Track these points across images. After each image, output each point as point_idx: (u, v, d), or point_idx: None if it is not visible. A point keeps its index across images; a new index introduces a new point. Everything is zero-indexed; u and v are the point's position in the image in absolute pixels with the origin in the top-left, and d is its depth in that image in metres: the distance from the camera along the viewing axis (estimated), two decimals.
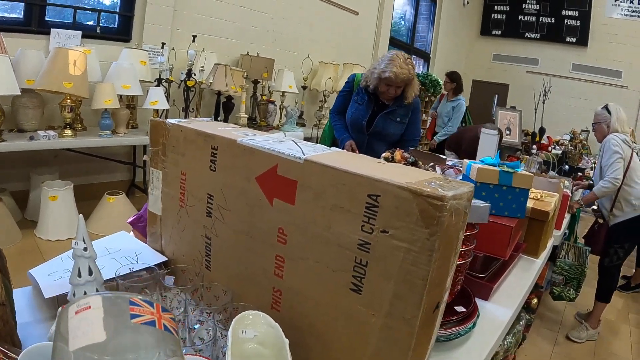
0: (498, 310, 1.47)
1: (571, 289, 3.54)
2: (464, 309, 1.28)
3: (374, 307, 0.81)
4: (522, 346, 3.33)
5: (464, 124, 6.04)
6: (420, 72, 9.53)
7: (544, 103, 4.46)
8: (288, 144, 0.99)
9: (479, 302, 1.47)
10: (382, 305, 0.80)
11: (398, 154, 1.76)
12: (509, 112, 6.58)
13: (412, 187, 0.73)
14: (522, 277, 1.79)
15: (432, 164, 2.08)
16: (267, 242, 0.97)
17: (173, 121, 1.20)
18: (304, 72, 6.26)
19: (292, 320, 0.95)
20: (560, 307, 4.34)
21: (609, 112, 3.74)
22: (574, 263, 3.57)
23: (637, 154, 3.54)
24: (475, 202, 1.16)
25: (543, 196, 2.08)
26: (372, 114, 3.06)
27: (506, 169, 1.56)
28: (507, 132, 6.19)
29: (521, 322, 2.11)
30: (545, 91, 4.67)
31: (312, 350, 0.93)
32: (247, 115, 5.26)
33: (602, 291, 3.79)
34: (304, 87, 6.31)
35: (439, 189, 0.73)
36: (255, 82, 5.46)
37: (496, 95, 8.97)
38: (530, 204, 1.96)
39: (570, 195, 3.10)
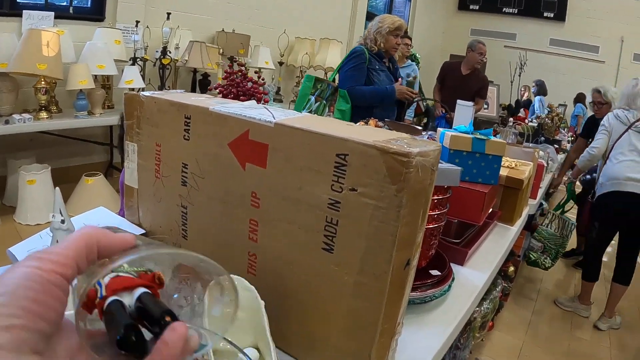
0: (473, 275, 1.49)
1: (548, 258, 3.59)
2: (439, 273, 1.30)
3: (346, 265, 0.83)
4: (500, 313, 3.40)
5: (422, 94, 5.96)
6: None
7: (519, 76, 4.49)
8: (259, 109, 0.99)
9: (454, 267, 1.49)
10: (354, 263, 0.81)
11: (372, 122, 1.77)
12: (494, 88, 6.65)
13: (379, 145, 0.74)
14: (497, 243, 1.82)
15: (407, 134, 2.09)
16: (241, 206, 0.97)
17: (147, 93, 1.19)
18: (280, 48, 6.23)
19: (268, 282, 0.95)
20: (539, 276, 4.43)
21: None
22: (556, 234, 3.62)
23: (638, 132, 3.41)
24: (446, 165, 1.17)
25: (517, 165, 2.11)
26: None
27: (479, 136, 1.58)
28: (485, 106, 6.24)
29: (497, 289, 2.15)
30: (521, 65, 4.72)
31: (289, 311, 0.94)
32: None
33: (583, 268, 3.88)
34: (281, 63, 6.28)
35: (406, 146, 0.74)
36: (232, 59, 5.42)
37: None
38: (504, 172, 1.99)
39: (546, 166, 3.14)
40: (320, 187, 0.82)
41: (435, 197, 1.19)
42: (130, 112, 1.23)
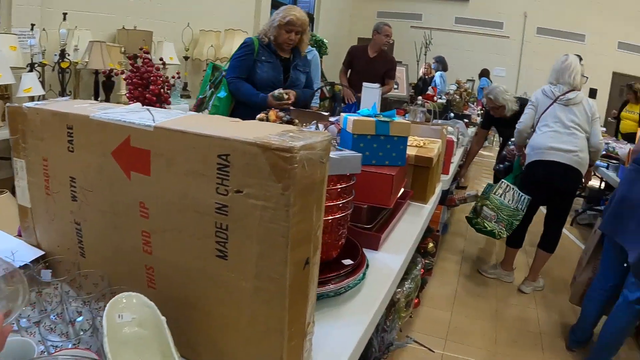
0: (389, 259, 1.49)
1: (504, 229, 3.67)
2: (351, 262, 1.28)
3: (242, 271, 0.79)
4: (425, 289, 3.47)
5: (324, 78, 5.92)
6: None
7: (425, 55, 4.58)
8: (141, 113, 0.93)
9: (369, 252, 1.49)
10: (249, 268, 0.78)
11: (272, 113, 1.73)
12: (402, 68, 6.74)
13: (260, 142, 0.70)
14: (412, 223, 1.83)
15: (314, 121, 2.07)
16: (131, 218, 0.91)
17: (30, 104, 1.12)
18: (184, 42, 6.06)
19: (169, 295, 0.91)
20: (460, 247, 4.56)
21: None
22: (510, 205, 3.69)
23: (566, 105, 3.53)
24: (346, 153, 1.15)
25: (426, 143, 2.13)
26: (283, 70, 3.19)
27: (382, 119, 1.56)
28: (395, 87, 6.32)
29: (418, 267, 2.17)
30: (426, 44, 4.80)
31: (195, 323, 0.90)
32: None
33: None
34: (186, 58, 6.11)
35: (289, 141, 0.71)
36: (135, 57, 5.21)
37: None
38: (413, 151, 2.00)
39: (456, 140, 3.21)
40: (205, 192, 0.78)
41: (339, 186, 1.16)
42: (14, 126, 1.17)
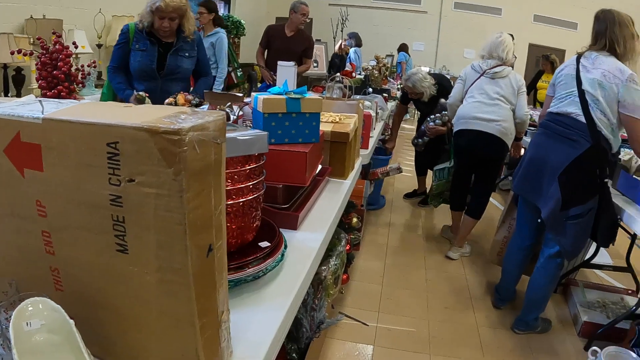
0: (308, 238, 1.47)
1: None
2: (268, 244, 1.26)
3: (144, 264, 0.75)
4: (355, 264, 3.50)
5: (235, 63, 5.80)
6: (222, 15, 9.32)
7: (342, 32, 4.58)
8: (32, 105, 0.86)
9: (288, 233, 1.47)
10: (151, 261, 0.74)
11: (181, 97, 1.67)
12: (315, 45, 6.70)
13: (147, 126, 0.66)
14: (331, 200, 1.83)
15: (229, 103, 2.03)
16: (30, 218, 0.86)
17: None
18: (97, 30, 5.81)
19: (77, 296, 0.86)
20: (386, 220, 4.63)
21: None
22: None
23: (492, 78, 3.68)
24: (251, 132, 1.12)
25: (342, 119, 2.12)
26: (160, 57, 3.00)
27: (293, 96, 1.54)
28: (315, 64, 6.31)
29: (342, 243, 2.18)
30: (342, 20, 4.78)
31: (107, 322, 0.86)
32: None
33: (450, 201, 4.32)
34: (99, 46, 5.86)
35: (177, 123, 0.67)
36: (45, 47, 4.95)
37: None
38: (329, 127, 1.99)
39: (374, 115, 3.23)
40: (98, 184, 0.73)
41: (247, 167, 1.13)
42: None
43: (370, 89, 4.81)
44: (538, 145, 2.79)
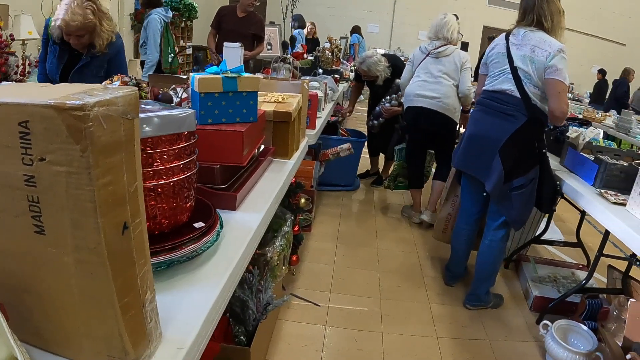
0: (247, 218, 1.45)
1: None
2: (202, 224, 1.24)
3: (61, 245, 0.73)
4: (306, 245, 3.50)
5: (168, 47, 5.58)
6: None
7: (292, 12, 4.55)
8: None
9: (227, 213, 1.45)
10: (67, 241, 0.72)
11: (117, 78, 1.62)
12: (269, 27, 6.62)
13: (54, 103, 0.64)
14: (273, 180, 1.81)
15: (172, 86, 1.99)
16: None
17: None
18: (45, 14, 5.60)
19: (4, 282, 0.83)
20: (339, 201, 4.64)
21: None
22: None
23: (436, 57, 3.91)
24: (177, 110, 1.08)
25: (285, 98, 2.10)
26: (66, 67, 2.72)
27: (230, 75, 1.51)
28: (269, 47, 6.24)
29: (288, 224, 2.16)
30: (292, 2, 4.74)
31: (33, 307, 0.83)
32: None
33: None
34: None
35: (84, 99, 0.64)
36: None
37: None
38: (271, 107, 1.97)
39: (322, 95, 3.22)
40: (12, 164, 0.71)
41: (176, 146, 1.10)
42: None
43: (321, 70, 4.80)
44: (477, 121, 2.86)
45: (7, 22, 4.86)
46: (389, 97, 4.65)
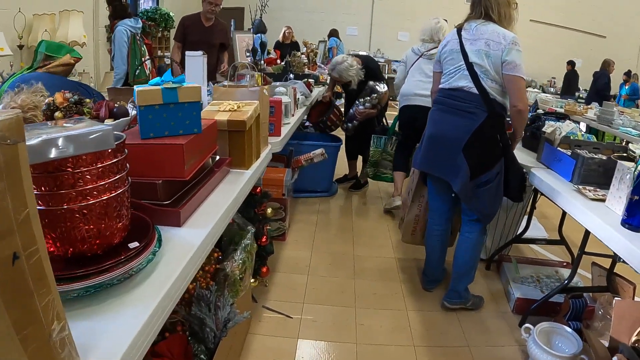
0: (192, 235, 1.39)
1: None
2: (137, 244, 1.17)
3: None
4: (279, 255, 3.44)
5: (135, 59, 5.41)
6: (149, 7, 9.06)
7: (261, 17, 4.49)
8: None
9: (171, 230, 1.39)
10: None
11: (59, 96, 1.55)
12: (246, 34, 6.55)
13: None
14: (228, 192, 1.75)
15: (131, 99, 1.94)
16: None
17: None
18: (17, 30, 5.51)
19: None
20: (315, 207, 4.57)
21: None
22: (392, 151, 4.63)
23: (429, 58, 4.06)
24: (90, 129, 1.02)
25: (240, 106, 2.04)
26: None
27: (169, 86, 1.44)
28: (248, 54, 6.16)
29: (248, 235, 2.10)
30: (262, 7, 4.68)
31: None
32: None
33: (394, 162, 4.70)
34: (21, 47, 5.56)
35: None
36: None
37: (232, 20, 8.90)
38: (224, 116, 1.91)
39: (290, 100, 3.16)
40: None
41: (100, 165, 1.04)
42: None
43: (292, 75, 4.73)
44: (436, 121, 2.83)
45: None
46: (362, 99, 4.58)
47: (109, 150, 1.06)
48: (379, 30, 13.88)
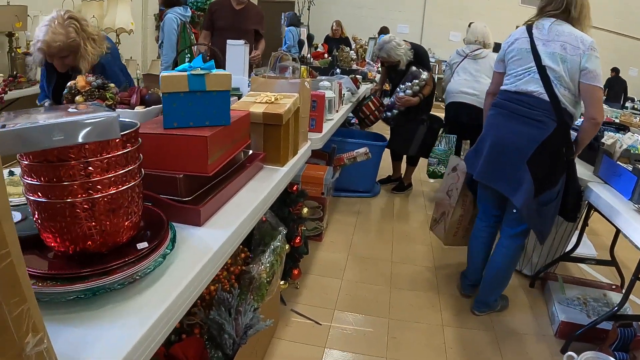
0: (212, 236, 1.26)
1: (442, 166, 4.45)
2: (146, 245, 1.06)
3: None
4: (314, 256, 3.30)
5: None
6: None
7: (309, 9, 4.31)
8: None
9: (192, 229, 1.27)
10: None
11: (81, 79, 1.45)
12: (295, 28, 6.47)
13: None
14: (257, 190, 1.62)
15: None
16: None
17: None
18: None
19: None
20: (355, 208, 4.41)
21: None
22: (445, 149, 4.48)
23: (474, 59, 4.29)
24: (95, 116, 0.90)
25: (279, 99, 1.91)
26: (57, 89, 2.52)
27: (196, 72, 1.32)
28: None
29: (279, 237, 1.97)
30: (309, 0, 4.50)
31: None
32: (2, 75, 4.52)
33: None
34: None
35: None
36: (10, 35, 4.70)
37: (285, 14, 8.83)
38: (260, 108, 1.79)
39: (334, 96, 3.02)
40: None
41: (106, 156, 0.93)
42: None
43: (338, 70, 4.58)
44: (498, 127, 2.59)
45: (26, 24, 4.79)
46: (403, 85, 4.37)
47: (117, 140, 0.95)
48: (431, 29, 13.59)
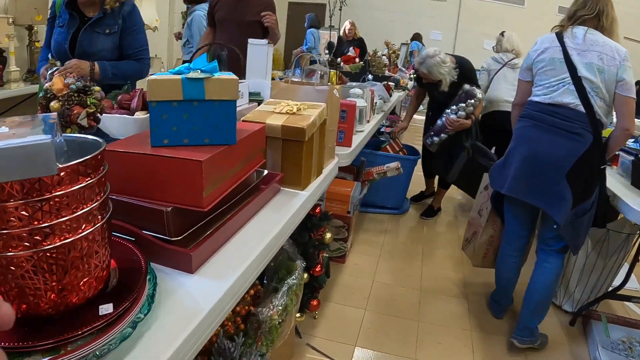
0: (205, 288, 0.98)
1: None
2: (110, 311, 0.78)
3: None
4: (336, 280, 3.01)
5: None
6: None
7: (340, 10, 4.03)
8: None
9: (182, 277, 0.99)
10: None
11: (58, 81, 1.17)
12: (326, 30, 6.19)
13: None
14: (269, 221, 1.33)
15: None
16: None
17: None
18: None
19: None
20: (383, 228, 4.09)
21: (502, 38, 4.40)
22: None
23: (512, 68, 4.19)
24: (28, 140, 0.62)
25: (302, 108, 1.62)
26: (76, 33, 2.45)
27: (194, 76, 1.03)
28: (326, 51, 5.77)
29: (297, 272, 1.67)
30: (341, 2, 4.23)
31: None
32: (18, 69, 4.33)
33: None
34: None
35: None
36: (30, 28, 4.52)
37: (306, 16, 8.56)
38: (279, 120, 1.50)
39: (366, 105, 2.72)
40: None
41: (35, 199, 0.65)
42: None
43: (370, 76, 4.26)
44: (531, 140, 2.48)
45: (45, 16, 4.60)
46: (455, 106, 3.79)
47: (62, 174, 0.67)
48: (465, 37, 13.24)
